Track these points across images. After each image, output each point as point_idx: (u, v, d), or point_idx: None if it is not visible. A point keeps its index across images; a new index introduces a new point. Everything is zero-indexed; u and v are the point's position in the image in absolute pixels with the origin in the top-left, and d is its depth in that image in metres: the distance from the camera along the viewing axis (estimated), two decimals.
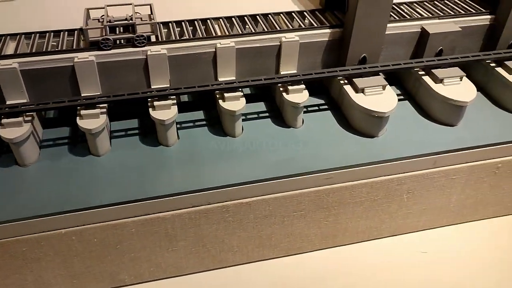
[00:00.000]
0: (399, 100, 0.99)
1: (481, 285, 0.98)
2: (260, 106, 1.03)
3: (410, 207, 1.01)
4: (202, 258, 0.96)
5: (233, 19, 1.01)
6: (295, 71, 0.98)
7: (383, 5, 0.91)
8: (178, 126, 0.97)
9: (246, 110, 0.99)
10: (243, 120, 0.98)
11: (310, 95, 0.97)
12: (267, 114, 1.01)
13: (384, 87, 0.96)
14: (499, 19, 1.03)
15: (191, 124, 0.98)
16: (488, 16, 1.04)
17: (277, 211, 0.92)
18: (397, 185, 0.96)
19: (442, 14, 1.04)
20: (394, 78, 1.10)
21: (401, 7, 1.08)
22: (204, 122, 0.99)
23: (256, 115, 1.01)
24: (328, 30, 0.97)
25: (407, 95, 1.07)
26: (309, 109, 1.03)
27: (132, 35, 0.89)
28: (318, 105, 1.04)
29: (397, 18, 1.03)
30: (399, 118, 1.00)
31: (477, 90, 1.08)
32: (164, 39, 0.95)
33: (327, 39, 0.97)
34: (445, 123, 1.00)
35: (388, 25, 0.99)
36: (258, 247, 0.98)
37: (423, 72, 1.03)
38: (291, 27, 1.00)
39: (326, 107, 1.04)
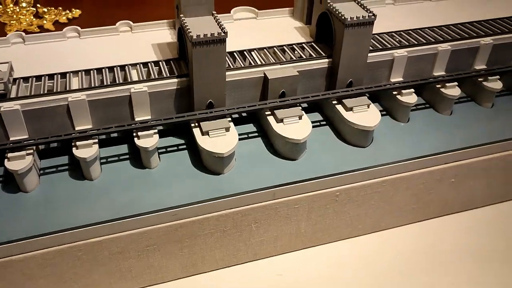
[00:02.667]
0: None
1: None
2: (123, 148, 1.13)
3: (262, 234, 1.12)
4: None
5: (91, 71, 1.10)
6: (149, 117, 1.08)
7: (218, 60, 1.02)
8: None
9: (108, 153, 1.09)
10: (103, 163, 1.08)
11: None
12: (127, 157, 1.11)
13: (227, 129, 1.07)
14: (335, 62, 1.16)
15: (53, 169, 1.07)
16: (326, 60, 1.17)
17: (129, 247, 1.01)
18: (242, 217, 1.06)
19: (284, 60, 1.16)
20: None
21: (246, 53, 1.19)
22: (65, 167, 1.07)
23: (116, 158, 1.10)
24: (175, 80, 1.08)
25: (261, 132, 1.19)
26: (169, 149, 1.13)
27: None
28: (177, 145, 1.14)
29: (243, 65, 1.15)
30: (247, 155, 1.11)
31: (326, 124, 1.21)
32: (24, 95, 1.04)
33: (175, 88, 1.08)
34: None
35: (234, 72, 1.11)
36: (120, 279, 1.07)
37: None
38: (142, 78, 1.10)
39: (184, 146, 1.14)
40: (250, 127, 1.19)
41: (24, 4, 1.50)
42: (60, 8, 1.56)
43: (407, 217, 1.25)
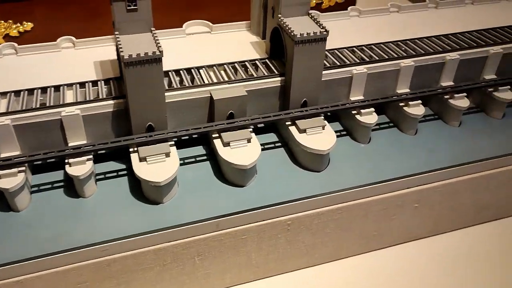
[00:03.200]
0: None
1: None
2: (58, 175, 1.05)
3: (207, 267, 1.04)
4: None
5: (21, 92, 1.02)
6: (84, 142, 1.00)
7: (154, 81, 0.95)
8: None
9: (40, 181, 1.01)
10: (35, 191, 1.00)
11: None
12: (61, 184, 1.03)
13: (167, 154, 0.99)
14: (287, 80, 1.08)
15: None
16: (279, 78, 1.09)
17: (58, 285, 0.93)
18: (183, 250, 0.98)
19: (232, 78, 1.08)
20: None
21: (194, 72, 1.11)
22: None
23: (50, 186, 1.02)
24: (111, 101, 1.00)
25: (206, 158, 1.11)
26: (107, 175, 1.05)
27: None
28: (117, 171, 1.06)
29: (189, 84, 1.07)
30: (191, 182, 1.04)
31: (281, 146, 1.14)
32: None
33: (111, 110, 1.00)
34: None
35: (176, 92, 1.03)
36: None
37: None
38: (76, 100, 1.02)
39: (125, 172, 1.06)
40: (199, 150, 1.12)
41: None
42: (11, 21, 1.48)
43: (369, 244, 1.18)
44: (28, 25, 1.49)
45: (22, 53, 1.15)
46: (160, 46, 0.93)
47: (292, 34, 1.00)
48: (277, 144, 1.15)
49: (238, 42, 1.23)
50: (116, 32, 0.96)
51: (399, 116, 1.19)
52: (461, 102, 1.20)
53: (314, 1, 1.77)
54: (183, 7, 1.68)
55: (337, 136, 1.17)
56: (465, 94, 1.21)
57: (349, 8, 1.40)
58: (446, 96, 1.21)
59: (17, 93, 1.02)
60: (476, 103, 1.30)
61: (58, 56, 1.16)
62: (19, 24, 1.48)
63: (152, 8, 0.96)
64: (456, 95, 1.20)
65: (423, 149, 1.15)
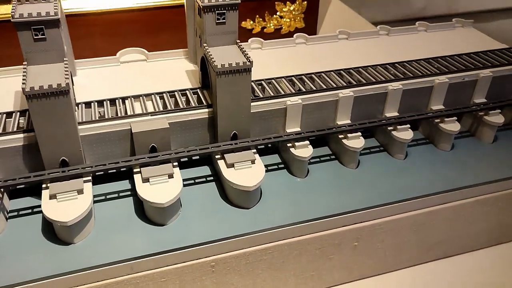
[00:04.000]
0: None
1: None
2: None
3: None
4: None
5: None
6: None
7: (64, 113, 0.89)
8: None
9: None
10: None
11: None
12: None
13: (80, 191, 0.93)
14: (214, 112, 1.03)
15: None
16: (206, 110, 1.04)
17: None
18: None
19: (156, 110, 1.03)
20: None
21: (118, 102, 1.06)
22: None
23: None
24: (20, 135, 0.94)
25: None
26: (20, 213, 0.99)
27: None
28: (32, 208, 1.00)
29: (109, 117, 1.02)
30: (109, 219, 0.97)
31: (213, 180, 1.08)
32: None
33: (21, 144, 0.94)
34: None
35: (91, 125, 0.98)
36: None
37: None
38: None
39: (39, 209, 1.00)
40: (122, 185, 1.06)
41: None
42: None
43: (307, 285, 1.11)
44: None
45: None
46: (68, 78, 0.88)
47: (213, 64, 0.95)
48: (208, 179, 1.09)
49: (173, 71, 1.18)
50: (24, 63, 0.92)
51: (340, 149, 1.13)
52: (405, 134, 1.15)
53: (273, 27, 1.73)
54: (143, 31, 1.64)
55: (275, 170, 1.12)
56: (408, 125, 1.16)
57: (338, 31, 1.38)
58: (390, 128, 1.16)
59: None
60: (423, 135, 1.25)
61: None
62: None
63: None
64: (399, 127, 1.15)
65: (362, 184, 1.09)
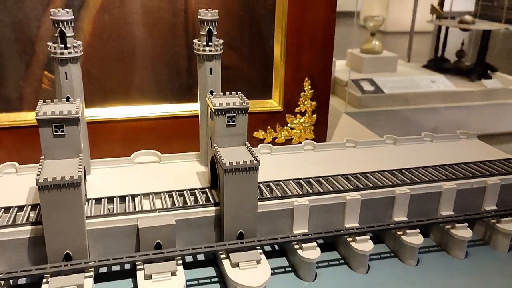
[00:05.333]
0: None
1: None
2: None
3: None
4: None
5: None
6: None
7: (73, 208, 0.91)
8: None
9: None
10: None
11: None
12: None
13: (79, 286, 0.91)
14: (221, 211, 1.04)
15: None
16: (213, 208, 1.05)
17: None
18: None
19: (163, 207, 1.05)
20: None
21: (128, 199, 1.09)
22: None
23: None
24: (28, 228, 0.96)
25: None
26: None
27: None
28: None
29: (119, 212, 1.03)
30: None
31: (217, 282, 1.05)
32: None
33: (28, 236, 0.95)
34: None
35: (100, 219, 0.99)
36: None
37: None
38: None
39: None
40: (125, 284, 1.03)
41: None
42: None
43: None
44: None
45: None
46: (81, 171, 0.91)
47: (222, 162, 0.98)
48: (213, 280, 1.06)
49: (184, 172, 1.22)
50: (42, 157, 0.96)
51: (349, 252, 1.11)
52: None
53: (283, 137, 1.79)
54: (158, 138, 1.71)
55: (282, 272, 1.09)
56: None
57: (345, 139, 1.45)
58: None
59: None
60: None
61: None
62: None
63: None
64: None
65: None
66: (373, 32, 3.49)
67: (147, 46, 1.56)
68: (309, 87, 1.74)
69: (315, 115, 1.80)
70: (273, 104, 1.73)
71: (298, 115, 1.78)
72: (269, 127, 1.78)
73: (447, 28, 3.62)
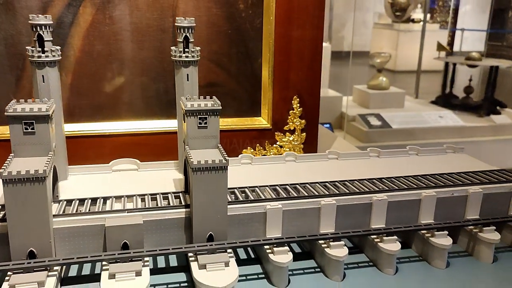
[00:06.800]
0: None
1: None
2: None
3: None
4: None
5: None
6: None
7: (39, 203, 0.91)
8: None
9: None
10: None
11: None
12: None
13: (41, 283, 0.90)
14: (191, 212, 1.03)
15: None
16: (183, 210, 1.04)
17: None
18: None
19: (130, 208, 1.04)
20: None
21: (99, 201, 1.08)
22: None
23: None
24: None
25: None
26: None
27: None
28: None
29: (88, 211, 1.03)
30: None
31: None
32: None
33: None
34: None
35: (67, 218, 0.98)
36: None
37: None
38: None
39: None
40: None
41: None
42: None
43: None
44: None
45: None
46: (47, 167, 0.92)
47: (190, 161, 0.98)
48: (182, 284, 1.04)
49: (161, 179, 1.22)
50: (11, 155, 0.97)
51: (324, 260, 1.08)
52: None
53: (273, 155, 1.79)
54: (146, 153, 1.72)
55: (254, 279, 1.06)
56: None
57: (327, 151, 1.46)
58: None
59: None
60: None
61: None
62: None
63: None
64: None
65: None
66: (379, 69, 3.52)
67: (135, 62, 1.59)
68: (298, 105, 1.74)
69: (304, 134, 1.79)
70: (262, 121, 1.73)
71: (287, 133, 1.78)
72: (258, 144, 1.78)
73: (454, 65, 3.64)
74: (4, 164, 0.92)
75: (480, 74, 3.89)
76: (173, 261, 1.11)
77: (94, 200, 1.08)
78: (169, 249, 0.99)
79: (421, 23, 4.55)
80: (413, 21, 5.10)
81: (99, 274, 1.02)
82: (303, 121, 1.76)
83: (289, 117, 1.76)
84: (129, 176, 1.23)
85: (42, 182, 0.90)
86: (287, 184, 1.18)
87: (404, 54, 5.00)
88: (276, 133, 1.78)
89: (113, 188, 1.14)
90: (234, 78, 1.70)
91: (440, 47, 3.92)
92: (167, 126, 1.65)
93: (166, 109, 1.65)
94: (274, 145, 1.80)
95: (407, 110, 3.38)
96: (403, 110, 3.39)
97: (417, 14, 5.08)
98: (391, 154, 1.44)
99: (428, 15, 4.90)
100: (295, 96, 1.73)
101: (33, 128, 0.96)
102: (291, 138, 1.80)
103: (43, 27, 1.07)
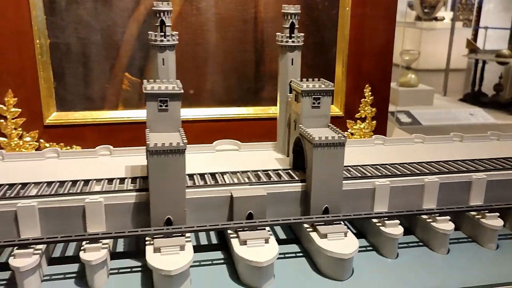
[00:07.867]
0: None
1: None
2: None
3: None
4: None
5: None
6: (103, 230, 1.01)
7: (178, 174, 0.99)
8: None
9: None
10: (45, 280, 0.98)
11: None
12: (74, 275, 1.01)
13: (181, 246, 0.97)
14: (308, 187, 1.09)
15: None
16: (300, 184, 1.11)
17: None
18: None
19: (253, 181, 1.11)
20: None
21: (218, 176, 1.16)
22: None
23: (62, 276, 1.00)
24: (134, 193, 1.03)
25: None
26: (120, 271, 1.02)
27: None
28: (131, 267, 1.04)
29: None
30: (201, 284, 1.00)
31: (303, 256, 1.09)
32: None
33: (133, 201, 1.03)
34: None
35: (198, 189, 1.06)
36: None
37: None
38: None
39: (139, 269, 1.03)
40: (216, 254, 1.09)
41: (28, 138, 1.58)
42: (62, 143, 1.62)
43: None
44: (77, 148, 1.62)
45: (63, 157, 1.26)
46: (185, 139, 0.99)
47: (311, 138, 1.04)
48: (298, 254, 1.10)
49: (263, 158, 1.28)
50: (147, 130, 1.05)
51: (429, 234, 1.14)
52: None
53: None
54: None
55: (363, 251, 1.12)
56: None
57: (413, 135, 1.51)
58: (477, 216, 1.17)
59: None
60: None
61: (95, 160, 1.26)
62: (69, 147, 1.62)
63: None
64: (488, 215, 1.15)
65: (453, 269, 1.07)
66: (408, 66, 3.54)
67: (219, 52, 1.67)
68: (370, 93, 1.80)
69: (374, 122, 1.85)
70: (335, 109, 1.79)
71: (358, 120, 1.84)
72: None
73: (483, 62, 3.63)
74: (147, 139, 0.99)
75: (510, 72, 3.89)
76: (282, 234, 1.19)
77: (213, 175, 1.15)
78: (290, 219, 1.06)
79: (444, 21, 4.56)
80: (436, 19, 5.09)
81: (225, 243, 1.10)
82: (374, 109, 1.81)
83: (361, 105, 1.82)
84: (233, 155, 1.31)
85: (182, 153, 0.97)
86: (387, 164, 1.25)
87: (428, 52, 5.00)
88: (347, 120, 1.84)
89: (223, 166, 1.22)
90: (309, 67, 1.76)
91: (469, 44, 3.92)
92: (247, 113, 1.72)
93: (245, 97, 1.73)
94: (346, 132, 1.86)
95: (436, 108, 3.39)
96: (432, 107, 3.40)
97: (441, 12, 5.07)
98: (436, 140, 1.50)
99: (451, 13, 4.90)
100: (367, 85, 1.79)
101: (167, 106, 1.04)
102: (361, 126, 1.86)
103: (165, 13, 1.15)
